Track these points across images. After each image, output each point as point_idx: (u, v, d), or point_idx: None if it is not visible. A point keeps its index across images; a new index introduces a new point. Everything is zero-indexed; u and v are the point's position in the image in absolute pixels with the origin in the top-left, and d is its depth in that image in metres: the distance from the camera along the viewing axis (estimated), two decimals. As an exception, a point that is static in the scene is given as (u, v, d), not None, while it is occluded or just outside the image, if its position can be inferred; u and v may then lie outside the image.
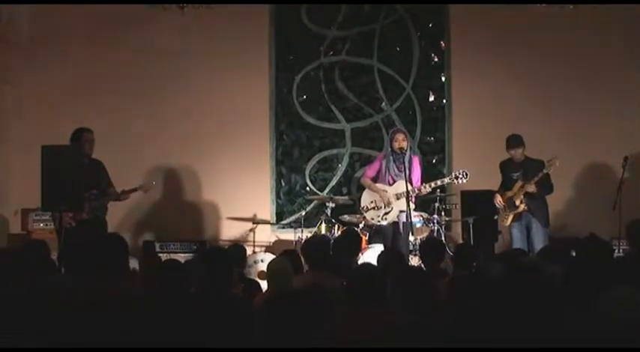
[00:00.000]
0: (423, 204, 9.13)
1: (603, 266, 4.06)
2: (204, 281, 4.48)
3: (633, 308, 3.28)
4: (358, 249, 6.72)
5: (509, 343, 3.28)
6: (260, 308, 3.37)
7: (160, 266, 4.85)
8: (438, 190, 8.75)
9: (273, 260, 5.81)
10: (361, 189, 8.73)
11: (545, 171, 8.10)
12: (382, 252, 6.07)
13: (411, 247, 8.21)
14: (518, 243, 8.24)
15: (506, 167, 8.45)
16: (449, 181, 8.31)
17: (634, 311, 3.27)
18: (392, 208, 8.11)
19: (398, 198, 8.03)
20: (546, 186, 8.27)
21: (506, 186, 8.40)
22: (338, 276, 5.26)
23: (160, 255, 8.77)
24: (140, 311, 3.96)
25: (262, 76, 10.05)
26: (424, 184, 8.10)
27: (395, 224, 8.10)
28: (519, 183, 8.23)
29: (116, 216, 8.74)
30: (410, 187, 7.94)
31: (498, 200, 8.34)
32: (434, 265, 5.91)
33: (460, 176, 8.12)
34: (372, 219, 8.27)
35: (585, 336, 3.32)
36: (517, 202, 8.23)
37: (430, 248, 6.11)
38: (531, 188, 8.13)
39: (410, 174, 8.07)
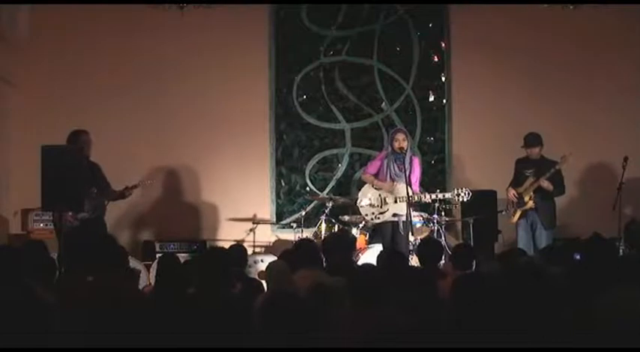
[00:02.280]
0: (424, 203, 9.11)
1: (607, 266, 4.06)
2: (204, 281, 4.48)
3: (633, 308, 3.28)
4: (350, 248, 6.70)
5: (510, 343, 3.28)
6: (260, 308, 3.37)
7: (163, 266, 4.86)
8: (438, 190, 8.73)
9: (273, 261, 5.82)
10: (361, 185, 8.70)
11: (557, 167, 8.12)
12: (382, 251, 6.07)
13: (410, 247, 8.21)
14: (523, 241, 8.27)
15: (520, 163, 8.47)
16: (450, 197, 8.25)
17: (634, 311, 3.26)
18: (387, 209, 8.10)
19: (396, 202, 8.01)
20: (560, 185, 8.29)
21: (517, 182, 8.41)
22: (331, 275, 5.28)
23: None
24: (140, 311, 3.96)
25: (262, 76, 10.04)
26: (425, 193, 8.10)
27: (394, 223, 8.07)
28: (530, 180, 8.25)
29: (116, 215, 8.75)
30: (410, 190, 7.94)
31: (512, 193, 8.33)
32: (431, 265, 5.91)
33: (462, 194, 8.07)
34: (367, 215, 8.27)
35: (585, 336, 3.32)
36: (526, 198, 8.25)
37: (427, 248, 6.11)
38: (545, 184, 8.12)
39: (410, 175, 8.07)
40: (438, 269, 5.96)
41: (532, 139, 8.35)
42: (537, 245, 8.20)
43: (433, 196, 8.09)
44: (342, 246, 6.34)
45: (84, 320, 3.87)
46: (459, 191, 8.09)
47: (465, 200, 8.11)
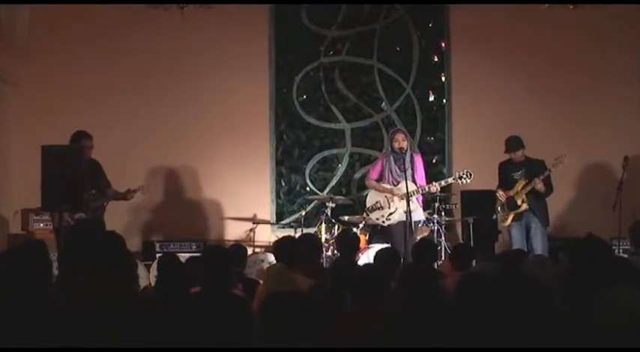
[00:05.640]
0: (424, 204, 9.11)
1: (603, 267, 4.06)
2: (204, 281, 4.48)
3: (633, 308, 3.28)
4: (320, 252, 6.73)
5: (509, 343, 3.28)
6: (260, 308, 3.37)
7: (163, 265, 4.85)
8: (442, 181, 8.72)
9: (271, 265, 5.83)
10: (362, 189, 8.70)
11: (552, 169, 8.09)
12: (379, 250, 6.07)
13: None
14: (518, 242, 8.23)
15: (506, 167, 8.43)
16: (452, 181, 8.30)
17: (634, 311, 3.26)
18: (396, 209, 8.11)
19: (402, 199, 8.01)
20: (549, 185, 8.27)
21: (505, 186, 8.38)
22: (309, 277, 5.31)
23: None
24: (140, 311, 3.96)
25: (262, 76, 10.04)
26: (433, 183, 8.10)
27: (405, 224, 8.01)
28: (521, 183, 8.21)
29: (115, 216, 8.74)
30: (414, 187, 7.94)
31: (501, 193, 8.29)
32: (427, 265, 5.90)
33: (464, 176, 8.12)
34: (377, 219, 8.27)
35: (585, 336, 3.32)
36: (519, 201, 8.21)
37: (423, 249, 6.10)
38: (540, 185, 8.09)
39: (414, 173, 8.07)
40: (435, 269, 5.95)
41: (515, 143, 8.30)
42: (533, 245, 8.18)
43: (436, 184, 8.08)
44: (351, 245, 6.40)
45: (83, 319, 3.87)
46: (461, 173, 8.14)
47: (468, 181, 8.12)
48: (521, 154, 8.32)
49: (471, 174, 8.11)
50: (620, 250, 8.17)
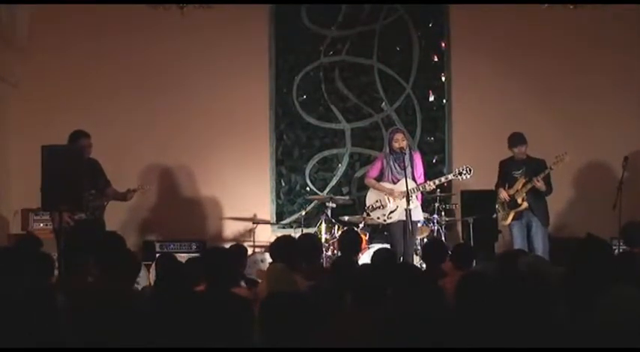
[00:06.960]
0: (424, 203, 9.11)
1: (603, 267, 4.06)
2: (206, 281, 4.48)
3: (633, 308, 3.28)
4: (320, 252, 6.73)
5: (509, 343, 3.28)
6: (260, 308, 3.37)
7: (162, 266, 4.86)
8: (438, 190, 8.72)
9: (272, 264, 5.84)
10: (362, 188, 8.68)
11: (552, 167, 8.07)
12: (376, 250, 6.07)
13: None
14: (519, 242, 8.22)
15: (506, 165, 8.42)
16: (452, 177, 8.28)
17: (634, 311, 3.27)
18: (397, 207, 8.10)
19: (403, 197, 8.00)
20: (549, 185, 8.27)
21: (505, 184, 8.37)
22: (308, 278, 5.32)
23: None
24: (141, 311, 3.96)
25: (262, 76, 10.04)
26: (428, 181, 8.09)
27: (404, 223, 8.01)
28: (522, 181, 8.21)
29: (116, 216, 8.75)
30: (414, 184, 7.93)
31: (504, 194, 8.27)
32: (435, 266, 5.90)
33: (464, 172, 8.10)
34: (378, 218, 8.25)
35: (585, 336, 3.33)
36: (519, 200, 8.21)
37: (432, 249, 6.10)
38: (539, 184, 8.08)
39: (413, 171, 8.06)
40: (440, 268, 5.95)
41: (518, 138, 8.28)
42: (533, 244, 8.17)
43: (437, 181, 8.08)
44: (352, 245, 6.40)
45: (83, 320, 3.87)
46: (460, 169, 8.12)
47: (468, 177, 8.09)
48: (524, 151, 8.30)
49: (470, 170, 8.09)
50: (620, 250, 8.16)
